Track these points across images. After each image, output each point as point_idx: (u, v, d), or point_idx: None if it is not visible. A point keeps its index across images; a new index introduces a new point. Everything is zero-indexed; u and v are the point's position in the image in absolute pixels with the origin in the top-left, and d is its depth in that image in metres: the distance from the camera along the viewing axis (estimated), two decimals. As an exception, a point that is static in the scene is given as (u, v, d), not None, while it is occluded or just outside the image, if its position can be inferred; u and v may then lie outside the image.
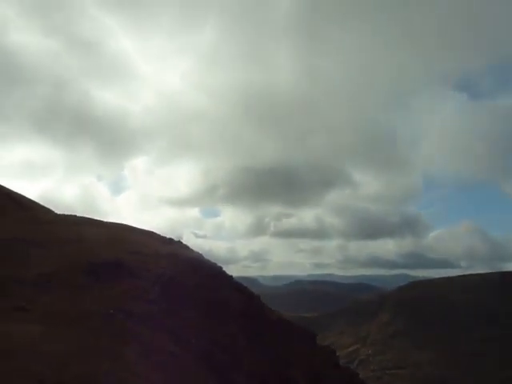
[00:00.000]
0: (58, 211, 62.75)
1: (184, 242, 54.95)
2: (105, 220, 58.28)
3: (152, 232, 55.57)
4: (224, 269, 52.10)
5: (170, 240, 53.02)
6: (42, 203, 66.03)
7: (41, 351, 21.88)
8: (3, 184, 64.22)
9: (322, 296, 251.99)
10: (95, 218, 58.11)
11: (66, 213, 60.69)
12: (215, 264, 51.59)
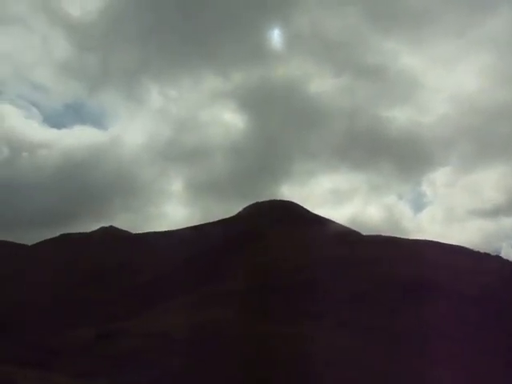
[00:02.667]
0: (365, 233, 66.16)
1: (503, 257, 51.96)
2: (409, 238, 58.44)
3: (462, 247, 53.39)
4: None
5: (486, 255, 50.56)
6: (349, 226, 71.32)
7: (360, 363, 23.74)
8: (316, 212, 73.05)
9: None
10: (399, 236, 58.90)
11: (372, 233, 63.41)
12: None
